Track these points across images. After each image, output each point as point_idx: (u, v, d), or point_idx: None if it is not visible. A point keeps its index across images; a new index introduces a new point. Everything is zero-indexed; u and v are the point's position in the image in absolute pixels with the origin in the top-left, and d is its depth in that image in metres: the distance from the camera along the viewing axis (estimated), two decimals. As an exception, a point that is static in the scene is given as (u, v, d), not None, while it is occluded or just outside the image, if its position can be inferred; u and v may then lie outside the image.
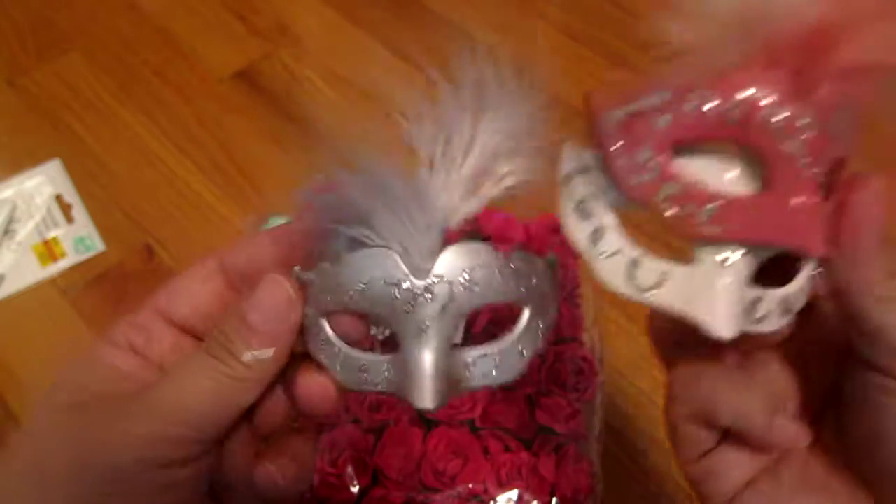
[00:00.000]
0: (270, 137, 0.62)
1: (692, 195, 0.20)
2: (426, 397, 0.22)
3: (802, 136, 0.20)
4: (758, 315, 0.22)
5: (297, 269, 0.25)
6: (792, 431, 0.24)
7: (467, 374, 0.24)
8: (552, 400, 0.41)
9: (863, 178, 0.23)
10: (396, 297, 0.22)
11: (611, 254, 0.22)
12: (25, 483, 0.23)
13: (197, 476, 0.24)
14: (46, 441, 0.24)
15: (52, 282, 0.53)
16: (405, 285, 0.22)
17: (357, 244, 0.23)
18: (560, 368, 0.42)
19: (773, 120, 0.20)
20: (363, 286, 0.23)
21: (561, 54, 0.69)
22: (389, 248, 0.23)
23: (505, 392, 0.42)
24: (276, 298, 0.24)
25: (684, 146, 0.21)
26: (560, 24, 0.71)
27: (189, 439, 0.23)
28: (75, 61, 0.67)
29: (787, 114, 0.20)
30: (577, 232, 0.22)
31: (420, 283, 0.22)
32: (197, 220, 0.57)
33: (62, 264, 0.54)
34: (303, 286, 0.24)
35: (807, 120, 0.20)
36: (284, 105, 0.64)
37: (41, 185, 0.59)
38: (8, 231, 0.56)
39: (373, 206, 0.22)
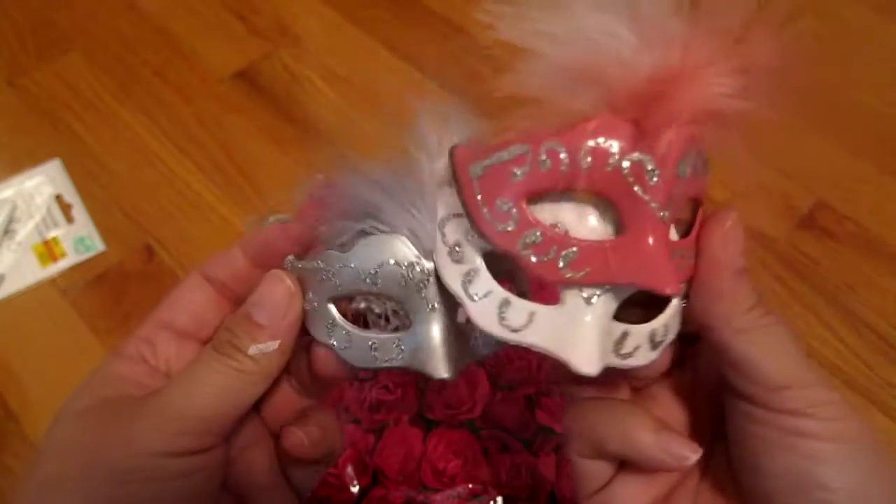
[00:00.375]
0: (270, 137, 0.62)
1: (551, 242, 0.21)
2: (440, 367, 0.24)
3: (651, 181, 0.21)
4: (625, 350, 0.23)
5: (291, 258, 0.26)
6: (679, 444, 0.24)
7: (472, 344, 0.26)
8: (552, 400, 0.41)
9: (718, 215, 0.24)
10: (410, 278, 0.24)
11: (482, 296, 0.23)
12: (46, 487, 0.24)
13: (210, 465, 0.25)
14: (64, 447, 0.25)
15: (52, 282, 0.53)
16: (417, 267, 0.24)
17: (363, 233, 0.24)
18: (560, 368, 0.42)
19: (622, 166, 0.20)
20: (377, 269, 0.24)
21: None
22: (399, 234, 0.24)
23: (505, 392, 0.42)
24: (277, 293, 0.25)
25: (546, 194, 0.22)
26: (560, 24, 0.71)
27: (199, 431, 0.24)
28: (75, 61, 0.67)
29: (634, 160, 0.20)
30: (451, 275, 0.23)
31: (430, 265, 0.24)
32: (197, 220, 0.57)
33: (62, 264, 0.54)
34: (301, 275, 0.25)
35: (652, 165, 0.20)
36: (284, 105, 0.64)
37: (41, 185, 0.59)
38: (8, 231, 0.56)
39: (380, 200, 0.24)
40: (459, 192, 0.22)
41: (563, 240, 0.21)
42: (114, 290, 0.53)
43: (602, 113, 0.21)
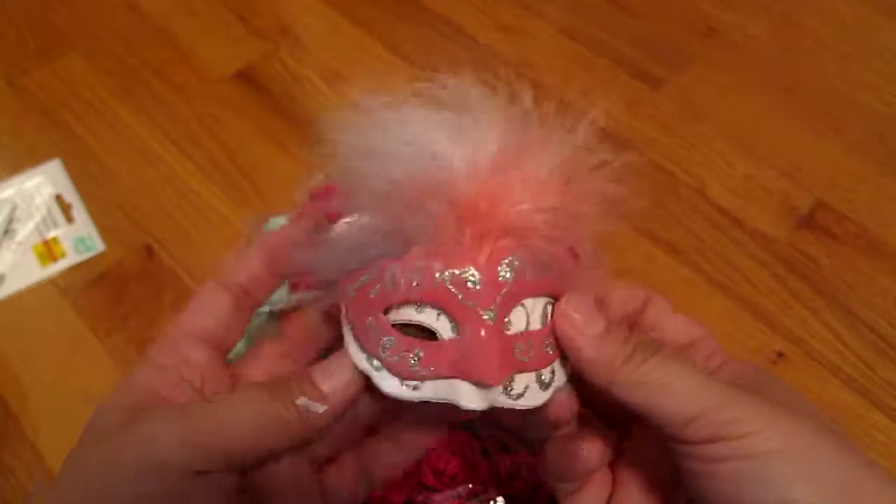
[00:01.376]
0: (270, 137, 0.62)
1: (402, 345, 0.25)
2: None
3: (473, 289, 0.24)
4: (515, 391, 0.26)
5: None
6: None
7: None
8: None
9: (559, 301, 0.26)
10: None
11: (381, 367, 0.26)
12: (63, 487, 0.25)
13: (224, 488, 0.25)
14: (84, 461, 0.26)
15: (52, 282, 0.53)
16: None
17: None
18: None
19: (445, 280, 0.24)
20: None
21: (561, 54, 0.69)
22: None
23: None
24: (343, 370, 0.26)
25: (407, 303, 0.25)
26: (560, 24, 0.71)
27: (222, 457, 0.24)
28: (75, 61, 0.67)
29: (455, 274, 0.24)
30: (358, 356, 0.26)
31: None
32: (197, 220, 0.57)
33: (62, 264, 0.54)
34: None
35: (473, 275, 0.24)
36: (284, 105, 0.64)
37: (41, 185, 0.59)
38: (8, 231, 0.56)
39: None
40: (345, 309, 0.27)
41: (411, 343, 0.25)
42: (114, 290, 0.53)
43: (429, 237, 0.24)
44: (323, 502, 0.29)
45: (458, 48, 0.69)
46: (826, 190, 0.59)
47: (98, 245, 0.55)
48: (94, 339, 0.51)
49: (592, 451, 0.27)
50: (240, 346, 0.46)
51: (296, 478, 0.27)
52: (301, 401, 0.25)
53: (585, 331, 0.25)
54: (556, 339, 0.26)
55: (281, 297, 0.45)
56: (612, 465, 0.29)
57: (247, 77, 0.66)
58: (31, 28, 0.70)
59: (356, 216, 0.26)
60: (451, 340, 0.25)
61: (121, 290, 0.53)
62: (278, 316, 0.46)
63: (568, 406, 0.27)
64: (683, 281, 0.53)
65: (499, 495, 0.39)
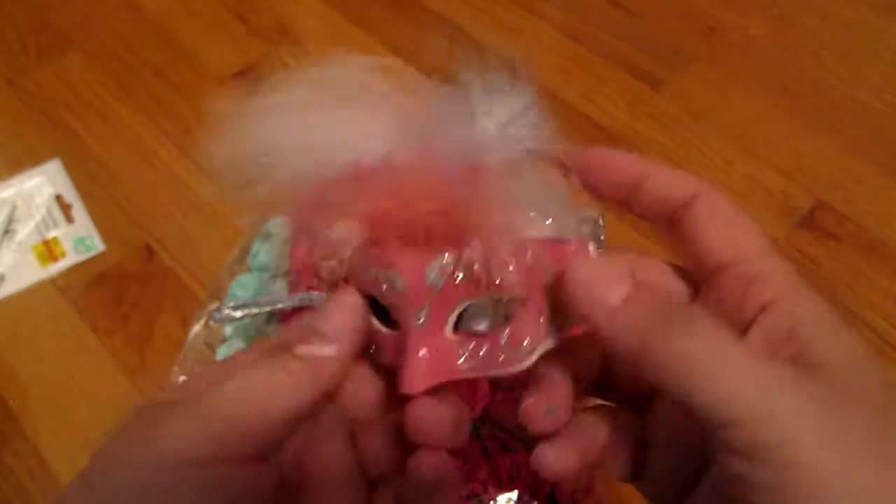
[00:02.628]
0: (270, 137, 0.62)
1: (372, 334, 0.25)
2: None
3: (396, 290, 0.23)
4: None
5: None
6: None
7: None
8: (552, 400, 0.41)
9: (571, 266, 0.22)
10: None
11: None
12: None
13: (251, 481, 0.22)
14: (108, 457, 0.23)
15: (52, 282, 0.53)
16: None
17: None
18: (560, 368, 0.43)
19: (378, 280, 0.24)
20: None
21: (561, 54, 0.69)
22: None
23: (505, 392, 0.42)
24: (343, 301, 0.24)
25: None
26: (560, 24, 0.71)
27: (233, 438, 0.21)
28: (75, 61, 0.67)
29: (381, 274, 0.23)
30: None
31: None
32: (197, 220, 0.57)
33: (62, 264, 0.54)
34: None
35: (398, 279, 0.23)
36: (284, 105, 0.64)
37: (41, 185, 0.59)
38: (8, 231, 0.56)
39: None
40: None
41: (377, 331, 0.24)
42: (114, 290, 0.53)
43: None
44: (365, 488, 0.25)
45: (458, 48, 0.69)
46: (826, 190, 0.59)
47: (98, 245, 0.55)
48: (94, 339, 0.50)
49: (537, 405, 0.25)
50: (238, 346, 0.46)
51: (333, 460, 0.25)
52: (303, 349, 0.23)
53: (605, 299, 0.21)
54: (574, 307, 0.22)
55: (279, 297, 0.45)
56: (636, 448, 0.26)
57: (247, 77, 0.66)
58: (31, 28, 0.70)
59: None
60: (391, 333, 0.24)
61: (121, 290, 0.53)
62: (279, 316, 0.46)
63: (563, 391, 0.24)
64: (683, 281, 0.53)
65: (499, 495, 0.39)
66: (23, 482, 0.45)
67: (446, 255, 0.23)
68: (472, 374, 0.24)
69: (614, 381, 0.27)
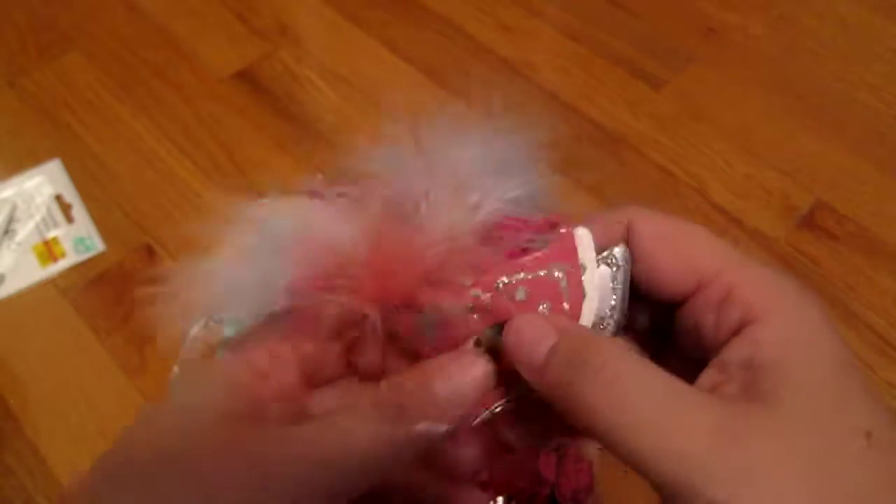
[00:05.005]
0: (270, 137, 0.62)
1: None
2: None
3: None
4: None
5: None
6: None
7: None
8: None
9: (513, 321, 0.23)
10: None
11: None
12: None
13: None
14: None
15: (52, 282, 0.53)
16: None
17: None
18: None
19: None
20: None
21: (561, 54, 0.69)
22: None
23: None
24: (468, 377, 0.22)
25: None
26: (560, 24, 0.71)
27: (335, 487, 0.21)
28: (75, 61, 0.67)
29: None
30: None
31: None
32: (197, 220, 0.57)
33: (62, 264, 0.54)
34: None
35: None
36: (284, 105, 0.64)
37: (41, 185, 0.59)
38: (8, 231, 0.56)
39: None
40: None
41: None
42: (114, 290, 0.53)
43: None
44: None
45: (458, 48, 0.69)
46: (826, 190, 0.59)
47: (98, 245, 0.55)
48: (94, 339, 0.50)
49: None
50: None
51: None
52: (421, 427, 0.21)
53: (531, 359, 0.21)
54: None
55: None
56: None
57: (247, 77, 0.66)
58: (31, 28, 0.70)
59: None
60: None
61: (121, 290, 0.53)
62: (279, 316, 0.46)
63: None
64: (683, 281, 0.53)
65: (499, 495, 0.39)
66: (23, 482, 0.45)
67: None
68: None
69: None
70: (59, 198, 0.58)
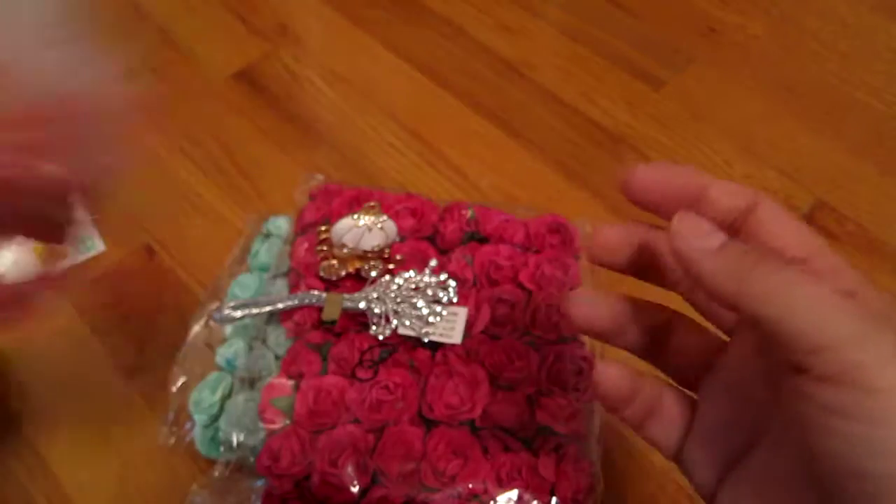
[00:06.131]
0: (270, 137, 0.62)
1: None
2: None
3: None
4: None
5: None
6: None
7: None
8: (552, 400, 0.41)
9: (673, 222, 0.24)
10: None
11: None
12: None
13: None
14: None
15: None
16: None
17: None
18: (560, 368, 0.42)
19: None
20: None
21: (561, 54, 0.69)
22: None
23: (505, 392, 0.42)
24: None
25: None
26: (560, 24, 0.71)
27: None
28: (75, 61, 0.67)
29: None
30: None
31: None
32: (197, 220, 0.57)
33: (62, 264, 0.54)
34: None
35: None
36: (284, 105, 0.64)
37: (41, 185, 0.59)
38: (8, 231, 0.56)
39: None
40: None
41: None
42: (114, 290, 0.53)
43: None
44: None
45: (458, 48, 0.69)
46: (826, 190, 0.59)
47: (98, 245, 0.55)
48: (94, 338, 0.50)
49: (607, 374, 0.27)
50: (238, 346, 0.46)
51: None
52: None
53: (704, 245, 0.23)
54: (675, 258, 0.23)
55: (279, 297, 0.45)
56: (694, 402, 0.27)
57: (247, 77, 0.66)
58: (31, 28, 0.70)
59: None
60: None
61: (121, 290, 0.53)
62: (279, 316, 0.47)
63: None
64: (683, 281, 0.53)
65: (499, 495, 0.39)
66: (23, 482, 0.45)
67: None
68: None
69: (672, 350, 0.28)
70: (59, 198, 0.58)
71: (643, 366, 0.29)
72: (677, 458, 0.27)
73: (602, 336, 0.28)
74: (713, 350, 0.27)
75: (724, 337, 0.27)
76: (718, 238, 0.23)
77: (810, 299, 0.20)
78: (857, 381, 0.19)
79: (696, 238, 0.23)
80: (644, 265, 0.28)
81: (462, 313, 0.45)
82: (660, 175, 0.26)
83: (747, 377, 0.25)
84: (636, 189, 0.27)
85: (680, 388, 0.28)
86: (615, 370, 0.27)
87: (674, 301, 0.29)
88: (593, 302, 0.27)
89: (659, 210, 0.26)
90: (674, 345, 0.28)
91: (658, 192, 0.26)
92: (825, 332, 0.20)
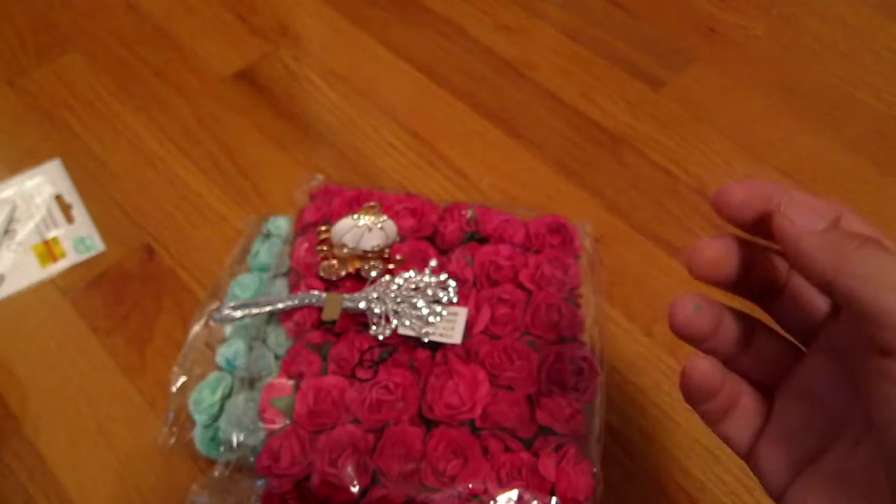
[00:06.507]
0: (270, 137, 0.62)
1: None
2: None
3: None
4: None
5: None
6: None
7: None
8: (552, 400, 0.41)
9: (782, 206, 0.25)
10: None
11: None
12: None
13: None
14: None
15: (52, 282, 0.53)
16: None
17: None
18: (560, 368, 0.42)
19: None
20: None
21: (561, 54, 0.69)
22: None
23: (505, 392, 0.42)
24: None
25: None
26: (560, 24, 0.71)
27: None
28: (75, 61, 0.67)
29: None
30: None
31: None
32: (197, 220, 0.57)
33: (62, 264, 0.54)
34: None
35: None
36: (284, 105, 0.64)
37: (41, 185, 0.59)
38: (8, 231, 0.56)
39: None
40: None
41: None
42: (114, 290, 0.53)
43: None
44: None
45: (458, 48, 0.69)
46: (826, 190, 0.59)
47: (98, 245, 0.55)
48: (94, 339, 0.51)
49: (701, 369, 0.27)
50: (238, 346, 0.46)
51: None
52: None
53: (809, 225, 0.24)
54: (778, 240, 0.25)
55: (279, 297, 0.45)
56: (771, 398, 0.28)
57: (247, 77, 0.66)
58: (31, 28, 0.70)
59: None
60: None
61: (121, 290, 0.53)
62: (279, 316, 0.47)
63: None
64: (683, 281, 0.53)
65: (499, 495, 0.39)
66: (23, 482, 0.45)
67: None
68: None
69: (752, 356, 0.29)
70: (59, 198, 0.58)
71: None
72: (748, 456, 0.28)
73: (694, 339, 0.29)
74: (791, 358, 0.28)
75: (802, 348, 0.29)
76: (824, 220, 0.24)
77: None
78: None
79: (801, 217, 0.24)
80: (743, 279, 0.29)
81: (462, 313, 0.45)
82: (750, 190, 0.27)
83: (824, 385, 0.27)
84: (732, 205, 0.28)
85: (757, 390, 0.29)
86: (706, 363, 0.28)
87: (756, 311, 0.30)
88: (699, 309, 0.28)
89: (747, 225, 0.28)
90: (754, 351, 0.29)
91: (751, 207, 0.27)
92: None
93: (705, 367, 0.27)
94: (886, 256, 0.22)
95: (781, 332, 0.29)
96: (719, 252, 0.28)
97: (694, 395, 0.28)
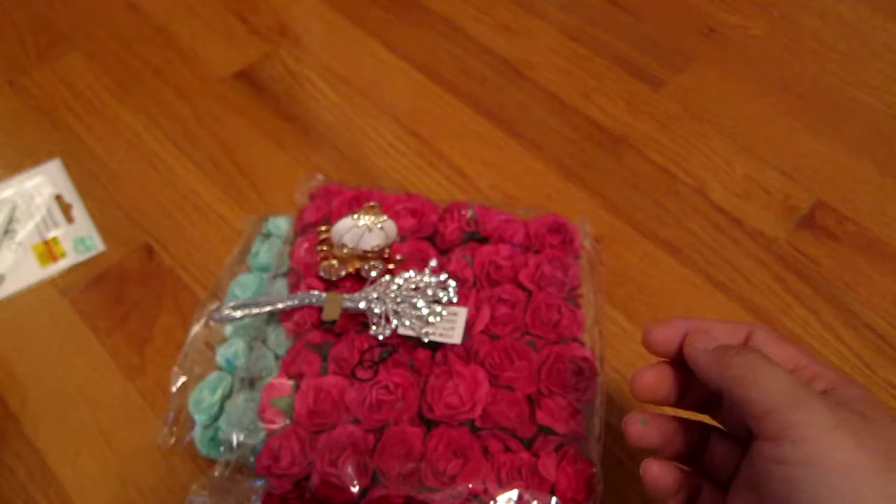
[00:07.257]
0: (270, 137, 0.62)
1: None
2: None
3: None
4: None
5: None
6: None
7: None
8: (552, 400, 0.41)
9: (689, 338, 0.33)
10: None
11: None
12: None
13: None
14: None
15: (52, 282, 0.53)
16: None
17: None
18: (560, 368, 0.42)
19: None
20: None
21: (561, 54, 0.69)
22: None
23: (505, 392, 0.42)
24: None
25: None
26: (560, 24, 0.71)
27: None
28: (75, 61, 0.67)
29: None
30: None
31: None
32: (197, 220, 0.57)
33: (62, 264, 0.54)
34: None
35: None
36: (284, 105, 0.64)
37: (41, 185, 0.59)
38: (8, 231, 0.56)
39: None
40: None
41: None
42: (114, 290, 0.53)
43: None
44: None
45: (458, 48, 0.69)
46: (826, 190, 0.59)
47: (98, 245, 0.55)
48: (94, 339, 0.51)
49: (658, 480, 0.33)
50: (238, 346, 0.46)
51: None
52: None
53: (704, 347, 0.31)
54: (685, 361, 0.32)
55: (279, 297, 0.45)
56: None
57: (247, 77, 0.66)
58: (31, 28, 0.70)
59: None
60: None
61: (121, 290, 0.53)
62: (279, 316, 0.47)
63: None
64: (683, 281, 0.53)
65: (499, 495, 0.39)
66: (23, 482, 0.45)
67: None
68: None
69: (708, 457, 0.35)
70: (59, 198, 0.58)
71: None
72: None
73: (650, 450, 0.34)
74: (739, 456, 0.33)
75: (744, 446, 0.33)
76: (714, 342, 0.31)
77: (766, 376, 0.27)
78: (791, 435, 0.25)
79: (699, 342, 0.32)
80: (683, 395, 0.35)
81: (462, 313, 0.45)
82: (671, 330, 0.33)
83: (759, 477, 0.30)
84: (658, 343, 0.34)
85: (717, 485, 0.33)
86: (656, 466, 0.33)
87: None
88: (646, 424, 0.33)
89: (674, 355, 0.34)
90: (710, 453, 0.34)
91: (672, 342, 0.33)
92: (771, 398, 0.26)
93: (656, 470, 0.33)
94: (759, 361, 0.28)
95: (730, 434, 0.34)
96: (655, 378, 0.34)
97: (651, 493, 0.33)
